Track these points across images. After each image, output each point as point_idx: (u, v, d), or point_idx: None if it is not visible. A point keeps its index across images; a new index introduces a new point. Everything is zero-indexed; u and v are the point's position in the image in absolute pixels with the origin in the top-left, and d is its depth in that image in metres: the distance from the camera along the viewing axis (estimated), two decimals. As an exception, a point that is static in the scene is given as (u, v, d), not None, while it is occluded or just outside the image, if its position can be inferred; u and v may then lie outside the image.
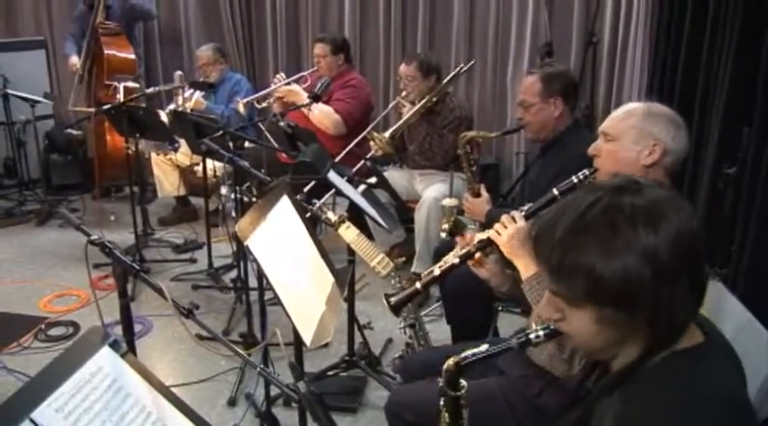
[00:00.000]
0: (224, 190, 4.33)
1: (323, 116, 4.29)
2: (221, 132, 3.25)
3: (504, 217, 1.97)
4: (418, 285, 1.97)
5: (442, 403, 1.37)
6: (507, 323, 2.95)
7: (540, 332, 1.26)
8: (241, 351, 1.68)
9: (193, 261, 4.43)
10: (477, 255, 1.96)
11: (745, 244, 2.48)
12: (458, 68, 4.08)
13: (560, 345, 1.77)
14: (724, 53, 2.75)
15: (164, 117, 4.14)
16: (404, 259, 3.02)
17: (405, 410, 1.98)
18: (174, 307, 1.66)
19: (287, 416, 2.74)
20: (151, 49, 6.12)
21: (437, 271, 1.96)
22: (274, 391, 2.66)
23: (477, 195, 2.98)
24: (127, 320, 1.85)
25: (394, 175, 4.11)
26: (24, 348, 3.38)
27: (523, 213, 1.97)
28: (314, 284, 2.09)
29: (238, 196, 3.36)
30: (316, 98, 3.71)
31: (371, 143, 3.91)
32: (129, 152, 4.24)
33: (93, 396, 1.27)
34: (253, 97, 4.62)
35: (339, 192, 2.92)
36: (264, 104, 4.55)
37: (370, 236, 3.13)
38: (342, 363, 3.07)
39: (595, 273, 1.10)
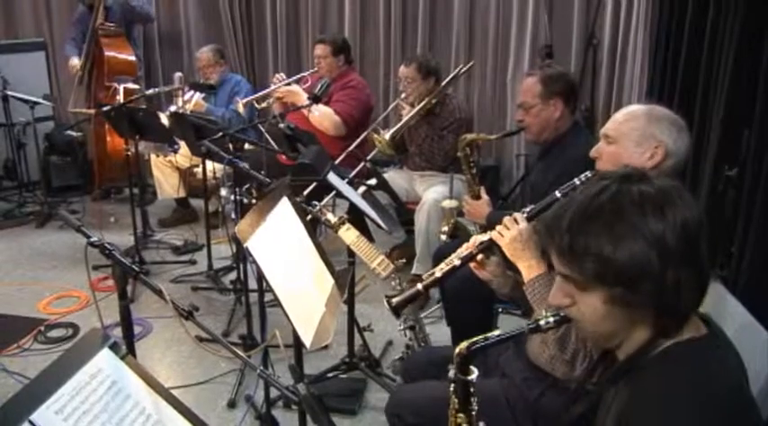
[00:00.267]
0: (224, 192, 4.32)
1: (323, 117, 4.28)
2: (221, 134, 3.25)
3: (506, 219, 1.97)
4: (419, 286, 1.96)
5: (452, 389, 1.37)
6: (508, 325, 2.94)
7: (551, 319, 1.29)
8: (241, 353, 1.68)
9: (193, 262, 4.43)
10: (479, 257, 1.96)
11: (746, 246, 2.48)
12: (457, 69, 4.08)
13: (562, 347, 1.77)
14: (724, 55, 2.74)
15: (164, 119, 4.14)
16: (404, 260, 3.02)
17: (405, 411, 1.98)
18: (173, 309, 1.66)
19: (287, 418, 2.74)
20: (151, 51, 6.12)
21: (438, 273, 1.96)
22: (274, 393, 2.66)
23: (478, 197, 2.98)
24: (126, 322, 1.85)
25: (394, 177, 4.11)
26: (24, 350, 3.37)
27: (525, 215, 1.97)
28: (314, 286, 2.09)
29: (238, 198, 3.36)
30: (315, 99, 3.71)
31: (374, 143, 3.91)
32: (129, 153, 4.24)
33: (92, 398, 1.27)
34: (252, 97, 4.62)
35: (339, 194, 2.91)
36: (264, 105, 4.55)
37: (370, 238, 3.13)
38: (342, 365, 3.07)
39: (604, 255, 1.14)
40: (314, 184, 3.30)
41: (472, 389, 1.36)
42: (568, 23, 4.73)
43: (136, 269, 1.76)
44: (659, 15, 3.55)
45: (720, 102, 2.74)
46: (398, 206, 3.82)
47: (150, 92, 4.55)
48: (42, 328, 3.54)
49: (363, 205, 2.90)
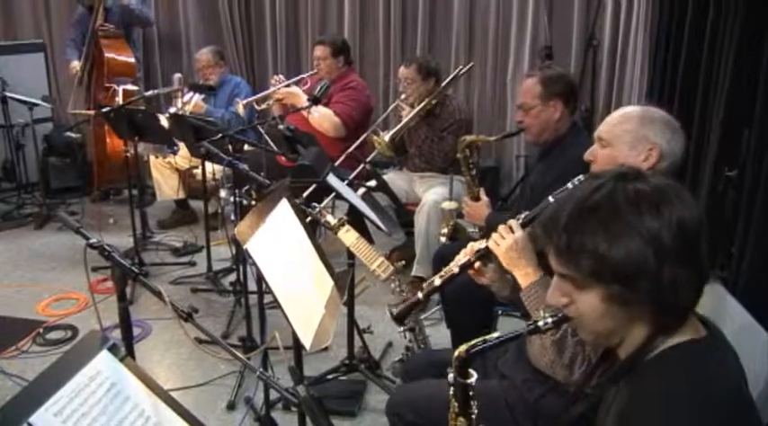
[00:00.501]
0: (223, 194, 4.32)
1: (322, 118, 4.28)
2: (220, 135, 3.25)
3: (502, 228, 1.96)
4: (420, 295, 2.00)
5: (451, 392, 1.37)
6: (508, 327, 2.93)
7: (549, 319, 1.29)
8: (240, 355, 1.67)
9: (192, 264, 4.42)
10: (477, 265, 1.97)
11: (746, 247, 2.48)
12: (457, 70, 4.08)
13: (560, 351, 1.77)
14: (724, 56, 2.74)
15: (163, 120, 4.14)
16: (404, 262, 3.01)
17: (405, 409, 1.99)
18: (173, 311, 1.65)
19: (286, 420, 2.73)
20: (150, 53, 6.11)
21: (438, 281, 1.99)
22: (274, 395, 2.65)
23: (477, 199, 2.98)
24: (126, 323, 1.84)
25: (393, 178, 4.11)
26: (22, 352, 3.37)
27: (520, 221, 1.97)
28: (313, 287, 2.08)
29: (237, 199, 3.35)
30: (315, 101, 3.71)
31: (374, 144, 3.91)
32: (128, 155, 4.23)
33: (91, 400, 1.26)
34: (252, 98, 4.62)
35: (339, 195, 2.91)
36: (264, 106, 4.55)
37: (369, 240, 3.13)
38: (341, 367, 3.07)
39: (600, 253, 1.14)
40: (313, 186, 3.29)
41: (472, 392, 1.35)
42: (568, 24, 4.74)
43: (135, 270, 1.75)
44: (659, 16, 3.55)
45: (720, 103, 2.74)
46: (398, 207, 3.81)
47: (149, 93, 4.55)
48: (41, 330, 3.54)
49: (363, 206, 2.90)
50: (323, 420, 1.48)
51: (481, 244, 1.99)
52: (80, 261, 1.82)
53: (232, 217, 3.77)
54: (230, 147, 3.42)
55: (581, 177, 1.98)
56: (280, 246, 1.97)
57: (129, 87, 5.10)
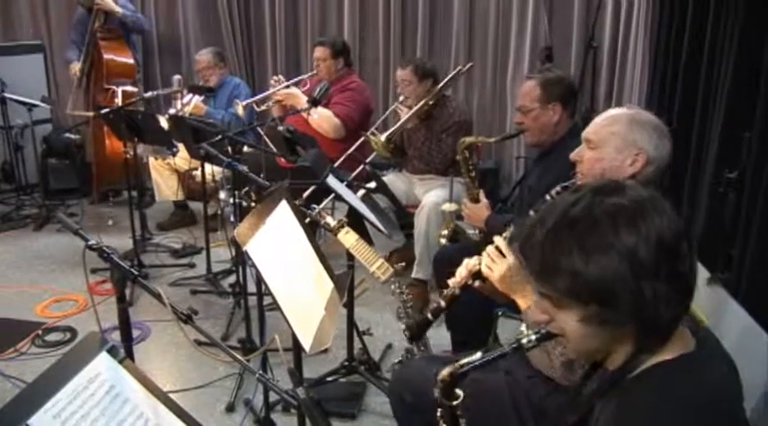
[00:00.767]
0: (223, 195, 4.32)
1: (322, 119, 4.28)
2: (220, 137, 3.24)
3: (491, 250, 1.96)
4: (429, 315, 2.08)
5: (438, 414, 1.37)
6: (508, 329, 2.93)
7: (533, 337, 1.27)
8: (240, 357, 1.67)
9: (192, 266, 4.41)
10: (477, 283, 2.01)
11: (747, 249, 2.48)
12: (455, 71, 4.07)
13: (554, 346, 1.78)
14: (725, 57, 2.75)
15: (163, 122, 4.14)
16: (403, 264, 3.00)
17: (405, 390, 2.02)
18: (172, 313, 1.65)
19: (286, 422, 2.72)
20: (150, 55, 6.11)
21: (443, 303, 2.06)
22: (273, 397, 2.64)
23: (477, 201, 2.97)
24: (125, 325, 1.84)
25: (393, 180, 4.10)
26: (21, 353, 3.36)
27: (506, 239, 1.96)
28: (313, 289, 2.08)
29: (237, 201, 3.35)
30: (314, 102, 3.71)
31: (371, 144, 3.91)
32: (128, 156, 4.23)
33: (90, 402, 1.26)
34: (252, 100, 4.62)
35: (338, 197, 2.91)
36: (263, 107, 4.55)
37: (369, 241, 3.12)
38: (341, 369, 3.06)
39: (576, 272, 1.11)
40: (313, 187, 3.29)
41: (459, 412, 1.36)
42: (568, 26, 4.74)
43: (134, 272, 1.75)
44: (659, 18, 3.55)
45: (721, 105, 2.74)
46: (398, 209, 3.81)
47: (149, 94, 4.54)
48: (40, 332, 3.53)
49: (363, 208, 2.90)
50: (322, 422, 1.48)
51: (476, 264, 2.01)
52: (79, 263, 1.81)
53: (231, 219, 3.77)
54: (230, 149, 3.42)
55: (558, 188, 1.99)
56: (279, 248, 1.96)
57: (129, 88, 5.10)
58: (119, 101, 4.77)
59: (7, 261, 4.54)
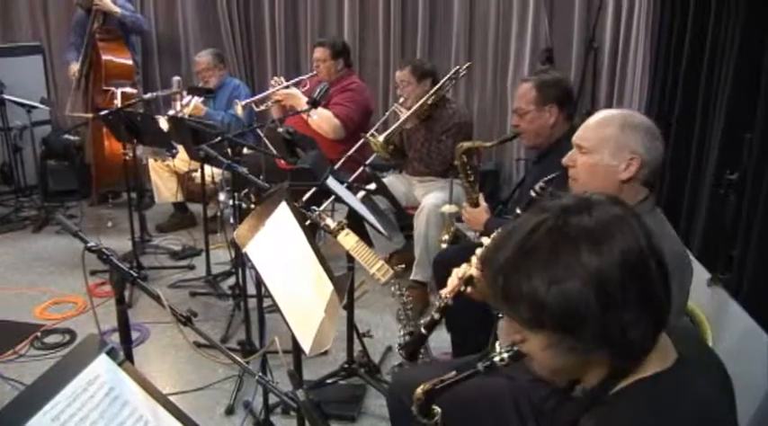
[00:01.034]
0: (222, 197, 4.31)
1: (322, 120, 4.27)
2: (219, 138, 3.24)
3: (476, 260, 1.95)
4: (423, 330, 2.04)
5: None
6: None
7: (505, 355, 1.24)
8: (239, 359, 1.67)
9: (191, 267, 4.41)
10: (469, 289, 1.98)
11: (748, 250, 2.48)
12: (454, 70, 4.07)
13: None
14: (726, 59, 2.75)
15: (162, 123, 4.13)
16: (403, 266, 3.00)
17: (404, 393, 2.00)
18: (171, 315, 1.64)
19: (285, 425, 2.72)
20: (149, 56, 6.10)
21: (437, 315, 2.02)
22: (273, 399, 2.64)
23: (476, 205, 2.97)
24: (124, 327, 1.84)
25: (393, 181, 4.10)
26: (20, 356, 3.35)
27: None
28: (313, 291, 2.08)
29: (237, 202, 3.34)
30: (314, 103, 3.70)
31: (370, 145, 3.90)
32: (127, 158, 4.22)
33: (89, 405, 1.26)
34: (252, 100, 4.62)
35: (338, 199, 2.90)
36: (263, 107, 4.54)
37: (369, 243, 3.12)
38: (341, 371, 3.05)
39: (538, 299, 1.07)
40: (313, 189, 3.28)
41: None
42: (569, 27, 4.73)
43: (134, 274, 1.75)
44: (660, 19, 3.56)
45: (722, 106, 2.74)
46: (398, 211, 3.81)
47: (148, 96, 4.53)
48: (39, 334, 3.52)
49: (362, 210, 2.89)
50: (322, 424, 1.48)
51: (465, 271, 1.99)
52: (78, 265, 1.81)
53: (231, 221, 3.76)
54: (229, 150, 3.41)
55: (542, 183, 1.98)
56: (279, 250, 1.96)
57: (128, 90, 5.09)
58: (118, 102, 4.76)
59: (6, 263, 4.53)
